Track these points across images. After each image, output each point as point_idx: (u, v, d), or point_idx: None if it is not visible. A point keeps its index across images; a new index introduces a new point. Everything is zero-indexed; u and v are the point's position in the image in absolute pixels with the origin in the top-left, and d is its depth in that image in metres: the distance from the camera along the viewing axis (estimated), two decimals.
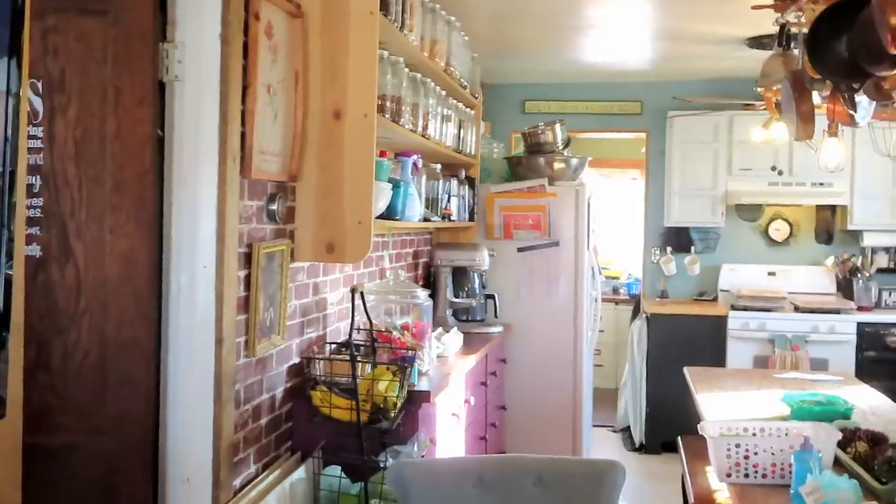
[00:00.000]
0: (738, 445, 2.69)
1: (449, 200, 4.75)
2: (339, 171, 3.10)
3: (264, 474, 2.96)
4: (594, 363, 6.68)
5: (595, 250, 6.10)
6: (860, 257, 6.66)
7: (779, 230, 6.94)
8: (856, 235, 6.67)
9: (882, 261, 6.67)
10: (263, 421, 3.01)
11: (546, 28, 5.23)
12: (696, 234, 6.95)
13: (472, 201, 5.34)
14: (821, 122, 3.68)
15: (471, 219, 5.33)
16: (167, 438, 2.63)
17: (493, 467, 2.59)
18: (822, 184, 6.36)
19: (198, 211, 2.61)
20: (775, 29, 3.96)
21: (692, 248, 6.96)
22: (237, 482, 2.80)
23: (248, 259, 2.83)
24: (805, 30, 3.46)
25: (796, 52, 3.79)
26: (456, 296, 5.14)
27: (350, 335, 3.10)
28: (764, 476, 2.68)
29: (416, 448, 3.11)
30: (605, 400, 7.38)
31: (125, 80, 2.56)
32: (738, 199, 6.62)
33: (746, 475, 2.69)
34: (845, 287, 6.61)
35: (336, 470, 3.08)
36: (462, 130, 4.91)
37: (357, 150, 3.07)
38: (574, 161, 5.69)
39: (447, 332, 4.44)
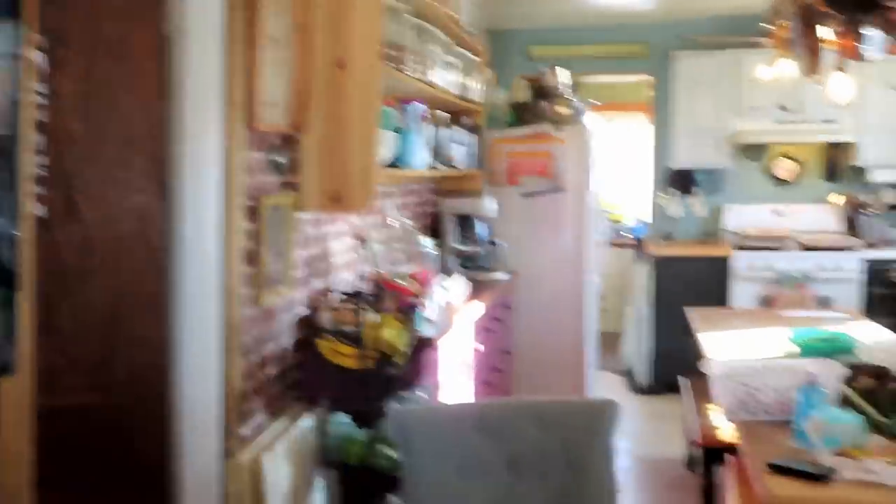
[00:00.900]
0: (743, 383, 2.71)
1: (454, 148, 4.73)
2: (344, 122, 3.09)
3: (273, 423, 2.99)
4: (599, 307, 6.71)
5: (600, 195, 6.09)
6: (867, 194, 6.63)
7: (785, 169, 6.90)
8: (863, 172, 6.63)
9: (889, 197, 6.65)
10: (271, 371, 3.04)
11: None
12: (701, 175, 6.93)
13: (477, 148, 5.32)
14: (829, 57, 3.64)
15: (476, 166, 5.31)
16: (177, 391, 2.66)
17: (493, 411, 2.62)
18: (829, 121, 6.31)
19: (204, 163, 2.61)
20: None
21: (697, 189, 6.94)
22: (246, 431, 2.84)
23: (254, 211, 2.83)
24: None
25: None
26: (461, 243, 5.14)
27: (356, 284, 3.11)
28: (769, 413, 2.70)
29: (422, 394, 3.15)
30: (610, 342, 7.41)
31: (131, 33, 2.54)
32: (744, 139, 6.59)
33: (752, 412, 2.71)
34: (851, 224, 6.60)
35: (343, 417, 3.12)
36: (466, 77, 4.87)
37: (362, 99, 3.06)
38: (578, 105, 5.66)
39: (453, 279, 4.45)
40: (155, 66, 2.55)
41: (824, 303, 6.01)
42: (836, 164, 6.81)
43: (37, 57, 2.47)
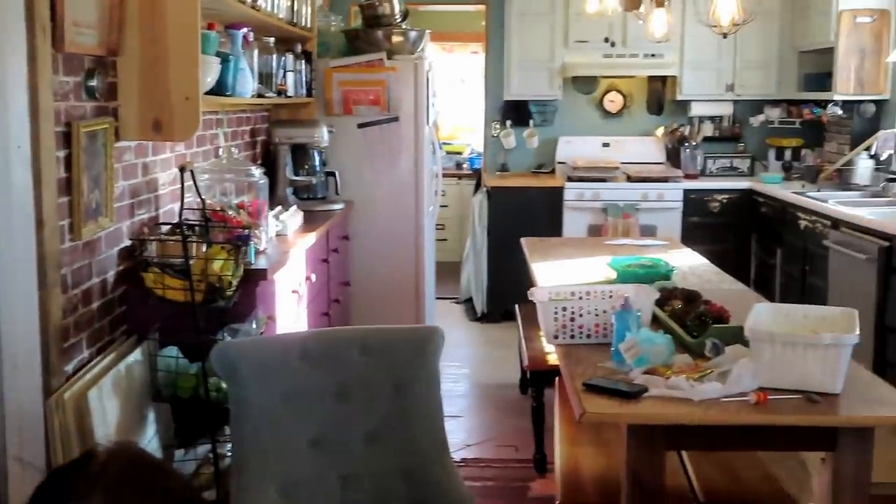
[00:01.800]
0: (564, 308, 2.82)
1: (284, 76, 4.63)
2: (162, 45, 2.96)
3: (98, 358, 2.91)
4: (438, 237, 6.80)
5: (436, 125, 6.12)
6: (688, 127, 6.96)
7: (613, 102, 7.13)
8: (684, 105, 6.95)
9: (708, 130, 7.00)
10: (95, 305, 2.94)
11: None
12: (534, 108, 7.06)
13: (309, 77, 5.22)
14: None
15: (309, 95, 5.22)
16: None
17: (318, 340, 2.64)
18: (653, 55, 6.55)
19: (6, 87, 2.44)
20: None
21: (531, 122, 7.08)
22: (69, 367, 2.75)
23: (67, 138, 2.69)
24: None
25: None
26: (296, 174, 5.06)
27: (181, 215, 3.03)
28: (588, 336, 2.82)
29: (254, 325, 3.12)
30: (450, 272, 7.55)
31: None
32: (574, 72, 6.74)
33: (572, 336, 2.83)
34: (674, 156, 6.92)
35: (173, 351, 3.06)
36: (296, 2, 4.75)
37: (180, 21, 2.94)
38: (413, 34, 5.62)
39: (287, 210, 4.40)
40: None
41: (649, 231, 6.30)
42: (660, 97, 7.09)
43: None
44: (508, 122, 7.08)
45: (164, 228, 3.32)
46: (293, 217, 4.33)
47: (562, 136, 7.06)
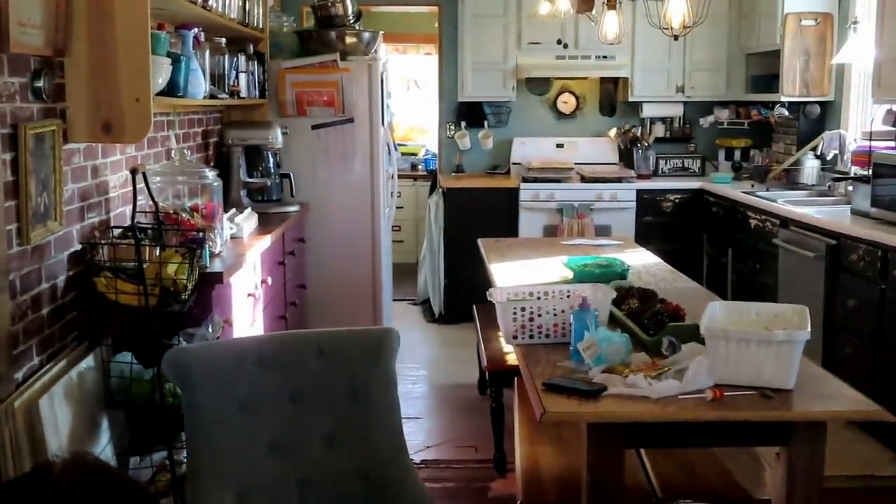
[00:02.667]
0: (523, 309, 2.83)
1: (237, 77, 4.58)
2: (111, 45, 2.91)
3: (49, 365, 2.84)
4: (394, 239, 6.79)
5: (390, 126, 6.10)
6: (640, 128, 7.04)
7: (566, 103, 7.18)
8: (636, 107, 7.02)
9: (659, 131, 7.09)
10: (45, 311, 2.87)
11: None
12: (488, 109, 7.09)
13: (262, 78, 5.17)
14: None
15: (262, 96, 5.17)
16: None
17: (272, 345, 2.61)
18: (605, 57, 6.61)
19: None
20: None
21: (485, 123, 7.11)
22: (19, 375, 2.68)
23: (13, 140, 2.63)
24: None
25: None
26: (250, 176, 5.02)
27: (133, 218, 2.98)
28: (547, 336, 2.84)
29: (210, 330, 3.08)
30: (407, 274, 7.55)
31: None
32: (527, 73, 6.78)
33: (531, 336, 2.84)
34: (626, 157, 6.99)
35: (127, 356, 3.01)
36: (248, 2, 4.71)
37: (129, 21, 2.88)
38: (366, 35, 5.60)
39: (241, 212, 4.36)
40: None
41: (604, 231, 6.36)
42: (613, 98, 7.16)
43: None
44: (463, 124, 7.09)
45: (116, 232, 3.27)
46: (248, 219, 4.28)
47: (516, 137, 7.09)
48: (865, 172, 4.81)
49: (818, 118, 6.17)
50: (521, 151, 7.03)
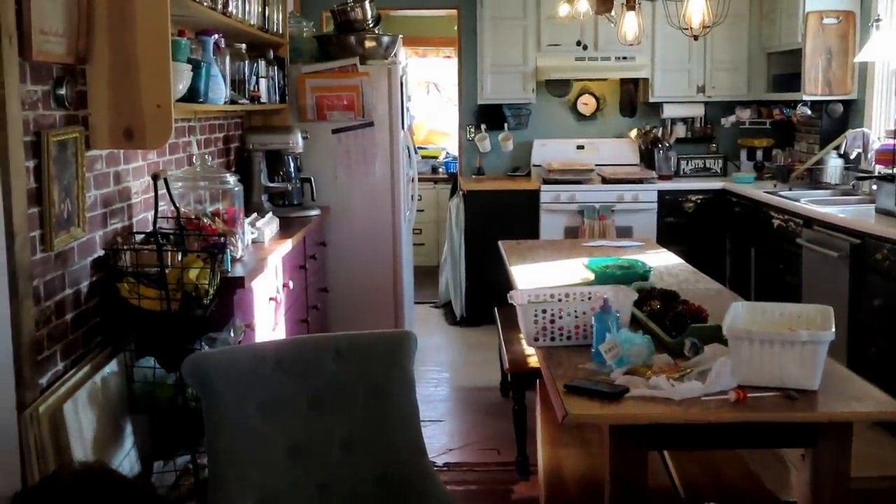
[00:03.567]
0: (544, 311, 2.82)
1: (257, 82, 4.61)
2: (132, 52, 2.93)
3: (73, 370, 2.86)
4: (415, 242, 6.79)
5: (410, 130, 6.11)
6: (660, 128, 7.00)
7: (586, 104, 7.16)
8: (656, 108, 6.99)
9: (680, 131, 7.05)
10: (69, 316, 2.90)
11: None
12: (508, 111, 7.07)
13: (282, 83, 5.20)
14: None
15: (282, 101, 5.20)
16: None
17: (291, 349, 2.61)
18: (625, 58, 6.58)
19: None
20: None
21: (505, 125, 7.10)
22: (43, 380, 2.71)
23: (36, 148, 2.66)
24: None
25: None
26: (271, 180, 5.04)
27: (155, 223, 3.00)
28: (569, 338, 2.82)
29: (231, 334, 3.10)
30: (428, 277, 7.55)
31: None
32: (547, 75, 6.76)
33: (553, 338, 2.82)
34: (647, 157, 6.96)
35: (150, 361, 3.02)
36: (268, 8, 4.73)
37: (150, 28, 2.91)
38: (385, 39, 5.62)
39: (262, 217, 4.37)
40: None
41: (625, 232, 6.33)
42: (633, 99, 7.13)
43: None
44: (483, 126, 7.09)
45: (139, 238, 3.29)
46: (269, 224, 4.30)
47: (536, 139, 7.08)
48: (890, 171, 4.76)
49: (841, 117, 6.11)
50: (542, 153, 7.01)
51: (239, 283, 3.29)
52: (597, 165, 6.79)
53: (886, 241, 4.25)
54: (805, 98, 6.06)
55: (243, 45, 4.41)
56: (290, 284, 4.24)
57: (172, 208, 3.22)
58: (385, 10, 6.23)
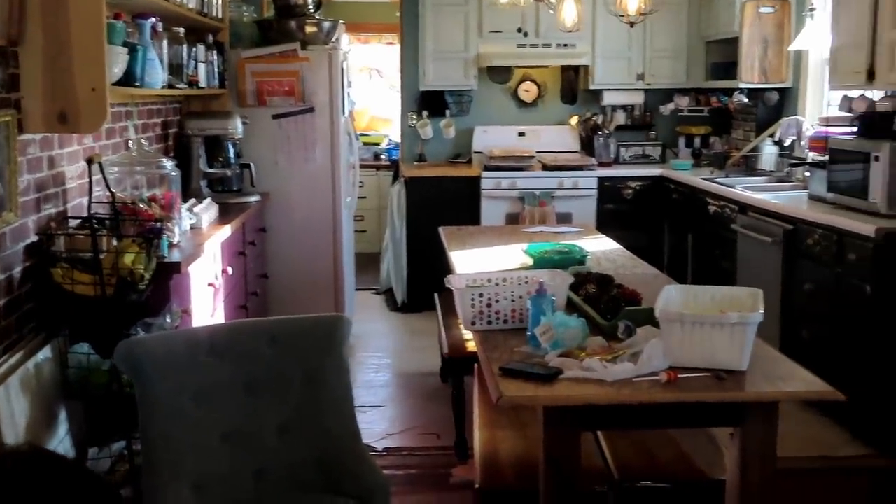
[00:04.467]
0: (481, 295, 2.85)
1: (196, 67, 4.55)
2: (66, 35, 2.89)
3: (5, 357, 2.82)
4: (357, 228, 6.79)
5: (351, 116, 6.09)
6: (601, 116, 7.08)
7: (527, 91, 7.21)
8: (597, 95, 7.06)
9: (620, 118, 7.14)
10: (1, 302, 2.85)
11: None
12: (450, 98, 7.09)
13: (222, 68, 5.14)
14: None
15: (221, 86, 5.14)
16: None
17: (225, 334, 2.61)
18: (565, 45, 6.64)
19: None
20: None
21: (447, 112, 7.11)
22: None
23: None
24: None
25: None
26: (210, 166, 4.99)
27: (89, 208, 2.96)
28: (505, 322, 2.85)
29: (168, 319, 3.07)
30: (370, 263, 7.55)
31: None
32: (488, 62, 6.79)
33: (489, 322, 2.85)
34: (587, 145, 7.04)
35: (84, 347, 2.99)
36: None
37: (84, 10, 2.87)
38: (326, 24, 5.59)
39: (201, 202, 4.33)
40: None
41: (565, 219, 6.40)
42: (574, 86, 7.19)
43: None
44: (425, 113, 7.10)
45: (73, 223, 3.24)
46: (208, 210, 4.26)
47: (478, 126, 7.11)
48: (822, 158, 4.88)
49: (776, 105, 6.25)
50: (483, 140, 7.05)
51: (175, 268, 3.26)
52: (538, 152, 6.83)
53: (818, 227, 4.37)
54: (741, 86, 6.19)
55: (182, 30, 4.35)
56: (229, 270, 4.22)
57: (108, 193, 3.18)
58: None
